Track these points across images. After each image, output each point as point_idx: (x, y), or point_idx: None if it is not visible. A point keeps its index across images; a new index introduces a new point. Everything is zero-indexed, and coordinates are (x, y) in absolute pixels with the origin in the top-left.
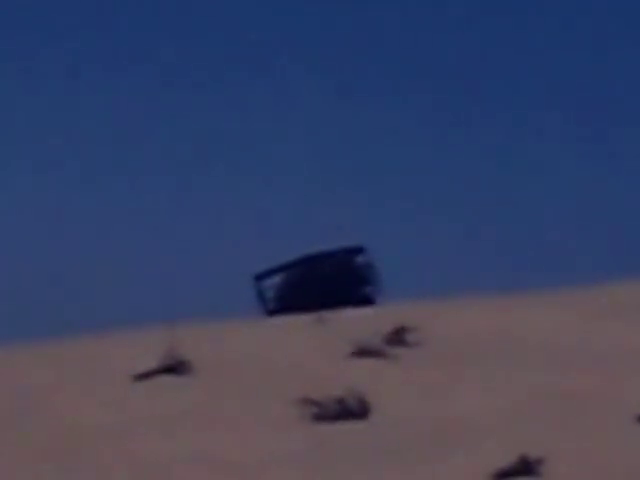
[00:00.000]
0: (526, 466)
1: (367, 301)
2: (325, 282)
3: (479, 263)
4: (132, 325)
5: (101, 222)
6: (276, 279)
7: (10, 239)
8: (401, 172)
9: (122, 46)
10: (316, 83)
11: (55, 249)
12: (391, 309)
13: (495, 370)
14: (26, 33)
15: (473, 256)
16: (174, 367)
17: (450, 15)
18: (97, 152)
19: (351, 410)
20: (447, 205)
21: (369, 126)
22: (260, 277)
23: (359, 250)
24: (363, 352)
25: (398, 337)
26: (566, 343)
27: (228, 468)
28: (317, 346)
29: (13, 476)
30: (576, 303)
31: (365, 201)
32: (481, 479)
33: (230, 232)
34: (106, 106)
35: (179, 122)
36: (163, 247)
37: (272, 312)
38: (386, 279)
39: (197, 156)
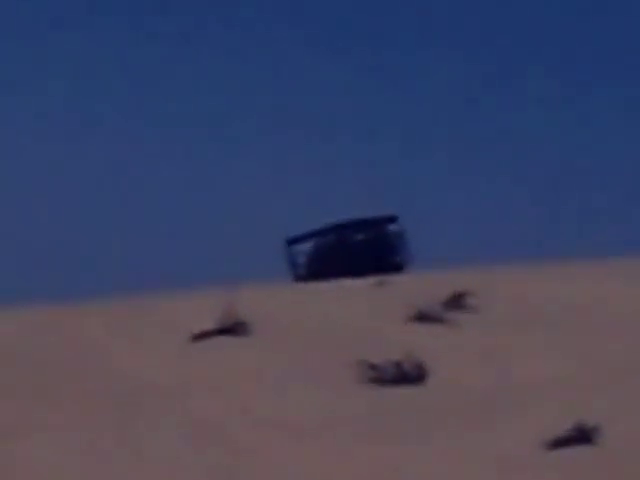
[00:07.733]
0: (582, 434)
1: (397, 269)
2: (356, 250)
3: (541, 231)
4: (192, 286)
5: (162, 191)
6: (307, 245)
7: (76, 199)
8: (454, 139)
9: None
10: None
11: (115, 211)
12: (451, 274)
13: (555, 337)
14: None
15: (534, 224)
16: (232, 328)
17: None
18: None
19: (408, 374)
20: (508, 173)
21: (407, 90)
22: (291, 242)
23: (392, 219)
24: (422, 317)
25: (457, 302)
26: (629, 312)
27: (286, 429)
28: (376, 310)
29: (75, 426)
30: None
31: (413, 168)
32: (537, 446)
33: (265, 197)
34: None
35: (226, 101)
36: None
37: (301, 278)
38: (445, 245)
39: (239, 130)
